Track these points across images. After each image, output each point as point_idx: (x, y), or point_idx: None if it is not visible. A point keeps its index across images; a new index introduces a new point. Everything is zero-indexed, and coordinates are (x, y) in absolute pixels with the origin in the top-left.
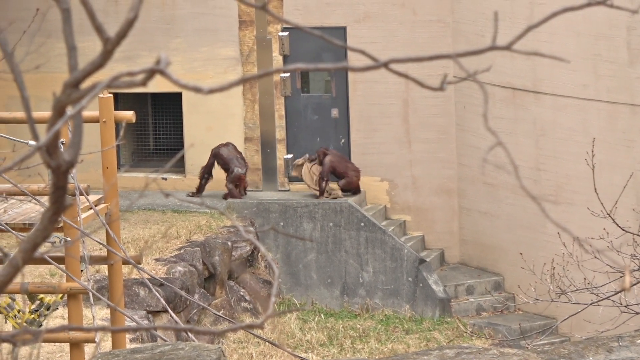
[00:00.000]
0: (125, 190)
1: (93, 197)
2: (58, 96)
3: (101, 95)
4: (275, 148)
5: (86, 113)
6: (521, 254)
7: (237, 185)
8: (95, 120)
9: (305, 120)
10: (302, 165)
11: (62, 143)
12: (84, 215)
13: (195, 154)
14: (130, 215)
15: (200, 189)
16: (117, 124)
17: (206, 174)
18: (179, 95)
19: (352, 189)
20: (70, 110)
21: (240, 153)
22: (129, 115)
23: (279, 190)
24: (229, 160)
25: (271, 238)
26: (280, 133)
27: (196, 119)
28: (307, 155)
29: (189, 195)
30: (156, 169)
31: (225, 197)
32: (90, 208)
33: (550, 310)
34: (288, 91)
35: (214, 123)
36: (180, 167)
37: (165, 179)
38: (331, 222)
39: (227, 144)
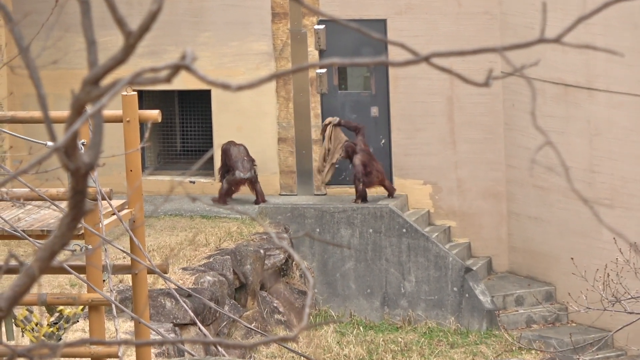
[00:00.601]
0: (150, 194)
1: (116, 202)
2: (77, 94)
3: (124, 92)
4: (310, 149)
5: (108, 112)
6: (572, 258)
7: (232, 190)
8: (118, 120)
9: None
10: (328, 125)
11: (82, 144)
12: (106, 222)
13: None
14: (156, 221)
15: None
16: (142, 123)
17: (225, 173)
18: (207, 93)
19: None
20: (90, 109)
21: (250, 158)
22: (154, 114)
23: (315, 194)
24: (234, 161)
25: (306, 245)
26: (316, 133)
27: (226, 118)
28: (337, 119)
29: (214, 200)
30: (183, 171)
31: (214, 200)
32: (113, 213)
33: (605, 321)
34: (324, 88)
35: (245, 122)
36: (209, 169)
37: (193, 182)
38: (371, 228)
39: (239, 145)
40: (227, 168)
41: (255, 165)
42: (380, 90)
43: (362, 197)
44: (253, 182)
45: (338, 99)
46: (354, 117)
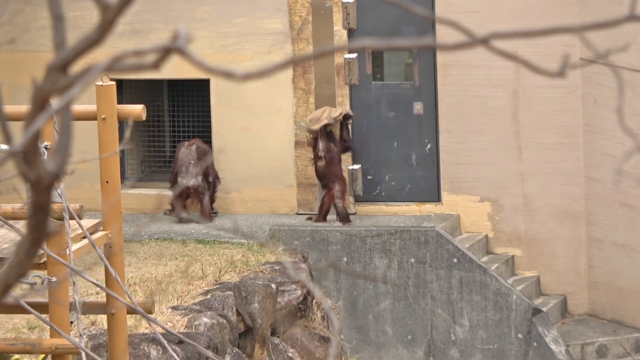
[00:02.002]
0: (131, 212)
1: (88, 222)
2: (39, 83)
3: (99, 82)
4: None
5: (78, 107)
6: None
7: (179, 202)
8: (91, 117)
9: (377, 119)
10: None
11: (46, 148)
12: (74, 247)
13: (228, 164)
14: (139, 246)
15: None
16: (121, 121)
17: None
18: (205, 84)
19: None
20: (56, 103)
21: (206, 158)
22: (137, 110)
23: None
24: (179, 165)
25: (330, 279)
26: None
27: (229, 115)
28: (339, 112)
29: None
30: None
31: (167, 213)
32: (84, 237)
33: None
34: (355, 78)
35: (253, 121)
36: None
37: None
38: (412, 257)
39: (192, 143)
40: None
41: (210, 171)
42: (425, 81)
43: (344, 217)
44: (200, 193)
45: (372, 92)
46: (392, 114)
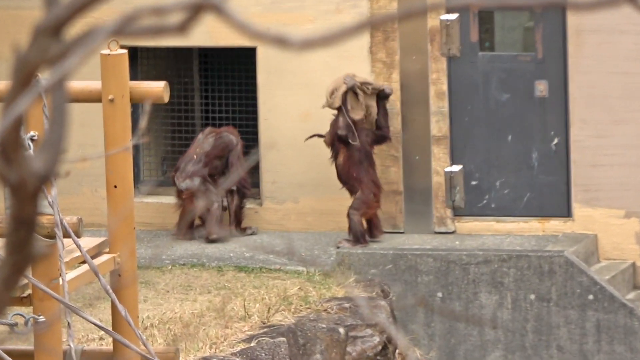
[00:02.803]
0: (148, 228)
1: (89, 241)
2: (23, 52)
3: (106, 51)
4: (429, 153)
5: (77, 84)
6: None
7: (181, 214)
8: (95, 99)
9: (485, 103)
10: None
11: (32, 139)
12: (70, 276)
13: (281, 164)
14: (158, 275)
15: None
16: (136, 104)
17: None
18: (250, 54)
19: (367, 219)
20: (46, 79)
21: (226, 155)
22: (157, 89)
23: (437, 232)
24: (180, 161)
25: (420, 321)
26: (439, 125)
27: (283, 98)
28: (355, 81)
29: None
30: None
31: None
32: (84, 261)
33: None
34: (455, 48)
35: (315, 106)
36: (252, 185)
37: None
38: (532, 293)
39: (214, 131)
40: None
41: (217, 169)
42: (551, 52)
43: (356, 235)
44: (197, 200)
45: (478, 67)
46: (505, 97)
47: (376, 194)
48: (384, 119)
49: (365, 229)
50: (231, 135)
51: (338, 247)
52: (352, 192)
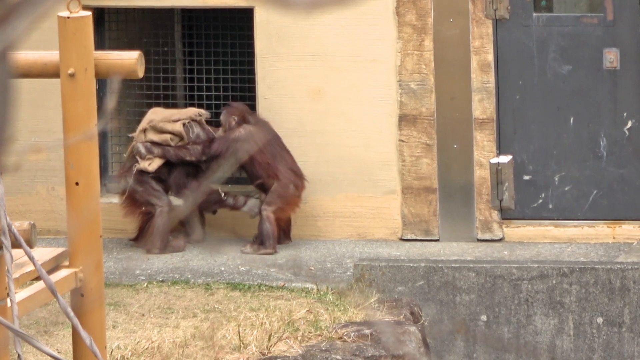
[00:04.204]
0: (118, 235)
1: (44, 252)
2: None
3: (65, 12)
4: (470, 140)
5: (27, 55)
6: None
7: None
8: (51, 74)
9: (541, 76)
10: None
11: None
12: (20, 296)
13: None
14: (131, 294)
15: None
16: (102, 80)
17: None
18: (246, 16)
19: (282, 217)
20: None
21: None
22: (129, 60)
23: (480, 240)
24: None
25: (459, 351)
26: (482, 105)
27: (287, 71)
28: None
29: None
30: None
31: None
32: (37, 277)
33: None
34: (503, 8)
35: (327, 81)
36: (241, 182)
37: (214, 210)
38: (600, 316)
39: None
40: None
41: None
42: (624, 13)
43: (261, 238)
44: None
45: (532, 32)
46: (566, 69)
47: (298, 186)
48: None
49: (278, 231)
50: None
51: (242, 252)
52: (265, 187)
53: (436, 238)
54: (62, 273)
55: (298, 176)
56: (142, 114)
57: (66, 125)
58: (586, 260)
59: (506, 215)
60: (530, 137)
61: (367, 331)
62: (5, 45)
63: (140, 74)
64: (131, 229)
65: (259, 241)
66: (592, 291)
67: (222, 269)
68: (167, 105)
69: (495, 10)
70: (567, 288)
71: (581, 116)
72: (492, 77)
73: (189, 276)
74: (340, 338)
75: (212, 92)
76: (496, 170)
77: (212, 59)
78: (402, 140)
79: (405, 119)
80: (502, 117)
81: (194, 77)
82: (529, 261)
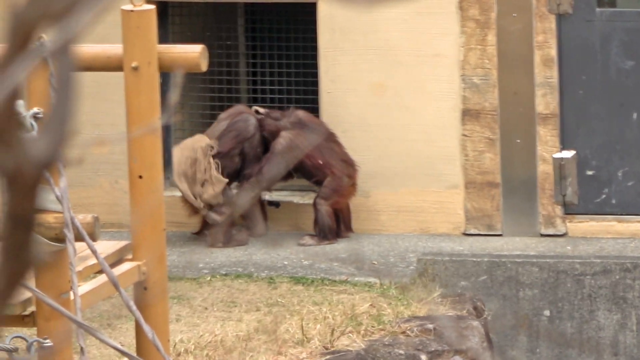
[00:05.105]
0: (182, 229)
1: (107, 246)
2: (20, 7)
3: (129, 6)
4: (533, 135)
5: (91, 48)
6: None
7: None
8: (114, 67)
9: (604, 71)
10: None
11: (35, 117)
12: (84, 289)
13: (347, 147)
14: (195, 288)
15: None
16: (166, 74)
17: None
18: (310, 10)
19: (339, 210)
20: (49, 41)
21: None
22: (193, 54)
23: (543, 235)
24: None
25: (522, 346)
26: (546, 100)
27: (350, 64)
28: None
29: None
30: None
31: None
32: (100, 271)
33: None
34: (566, 3)
35: (390, 76)
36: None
37: (277, 204)
38: None
39: (236, 112)
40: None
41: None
42: None
43: (323, 230)
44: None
45: (595, 27)
46: (630, 65)
47: (351, 175)
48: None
49: (336, 223)
50: (252, 120)
51: (299, 244)
52: (320, 182)
53: (499, 233)
54: (125, 266)
55: (350, 165)
56: (205, 108)
57: (129, 118)
58: None
59: (569, 210)
60: (593, 132)
61: (430, 326)
62: (68, 38)
63: (204, 67)
64: (194, 223)
65: (320, 234)
66: None
67: (285, 262)
68: (230, 100)
69: (558, 5)
70: (630, 283)
71: None
72: (555, 72)
73: (252, 270)
74: (403, 332)
75: (275, 86)
76: (559, 165)
77: (276, 53)
78: (465, 135)
79: (468, 114)
80: (566, 112)
81: (257, 71)
82: (592, 256)
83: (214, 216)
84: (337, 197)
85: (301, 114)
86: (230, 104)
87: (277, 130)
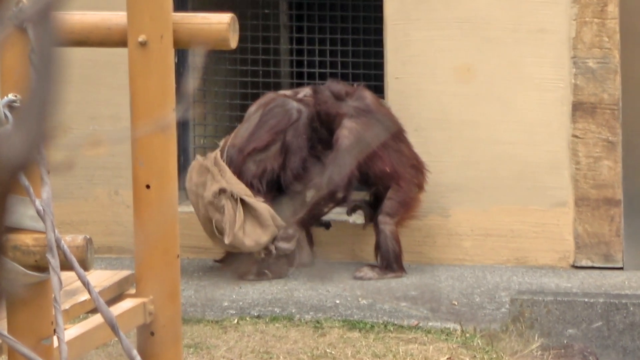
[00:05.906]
0: (200, 255)
1: (103, 277)
2: None
3: None
4: None
5: (84, 17)
6: None
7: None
8: (116, 42)
9: None
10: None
11: (10, 106)
12: (72, 333)
13: (421, 149)
14: (218, 333)
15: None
16: (184, 51)
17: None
18: None
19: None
20: (25, 5)
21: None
22: (219, 25)
23: None
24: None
25: None
26: None
27: (425, 41)
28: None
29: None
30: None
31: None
32: (94, 309)
33: None
34: None
35: (480, 57)
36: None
37: (327, 224)
38: None
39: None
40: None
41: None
42: None
43: (387, 258)
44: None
45: None
46: None
47: (420, 183)
48: None
49: (401, 249)
50: (291, 103)
51: (356, 278)
52: (381, 193)
53: (619, 265)
54: (127, 304)
55: (419, 170)
56: (234, 97)
57: (135, 110)
58: None
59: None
60: None
61: None
62: (53, 2)
63: (233, 43)
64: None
65: (382, 263)
66: None
67: (337, 301)
68: (267, 87)
69: None
70: None
71: None
72: None
73: (293, 311)
74: None
75: (326, 68)
76: None
77: (327, 26)
78: (577, 136)
79: (580, 108)
80: None
81: (304, 48)
82: None
83: (282, 245)
84: (405, 212)
85: (369, 96)
86: (266, 92)
87: (338, 115)
